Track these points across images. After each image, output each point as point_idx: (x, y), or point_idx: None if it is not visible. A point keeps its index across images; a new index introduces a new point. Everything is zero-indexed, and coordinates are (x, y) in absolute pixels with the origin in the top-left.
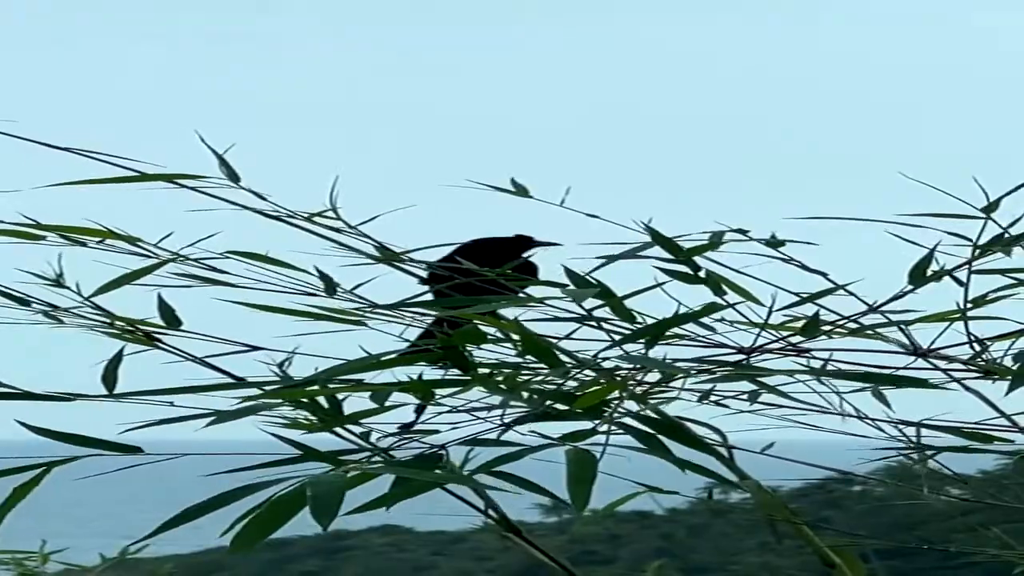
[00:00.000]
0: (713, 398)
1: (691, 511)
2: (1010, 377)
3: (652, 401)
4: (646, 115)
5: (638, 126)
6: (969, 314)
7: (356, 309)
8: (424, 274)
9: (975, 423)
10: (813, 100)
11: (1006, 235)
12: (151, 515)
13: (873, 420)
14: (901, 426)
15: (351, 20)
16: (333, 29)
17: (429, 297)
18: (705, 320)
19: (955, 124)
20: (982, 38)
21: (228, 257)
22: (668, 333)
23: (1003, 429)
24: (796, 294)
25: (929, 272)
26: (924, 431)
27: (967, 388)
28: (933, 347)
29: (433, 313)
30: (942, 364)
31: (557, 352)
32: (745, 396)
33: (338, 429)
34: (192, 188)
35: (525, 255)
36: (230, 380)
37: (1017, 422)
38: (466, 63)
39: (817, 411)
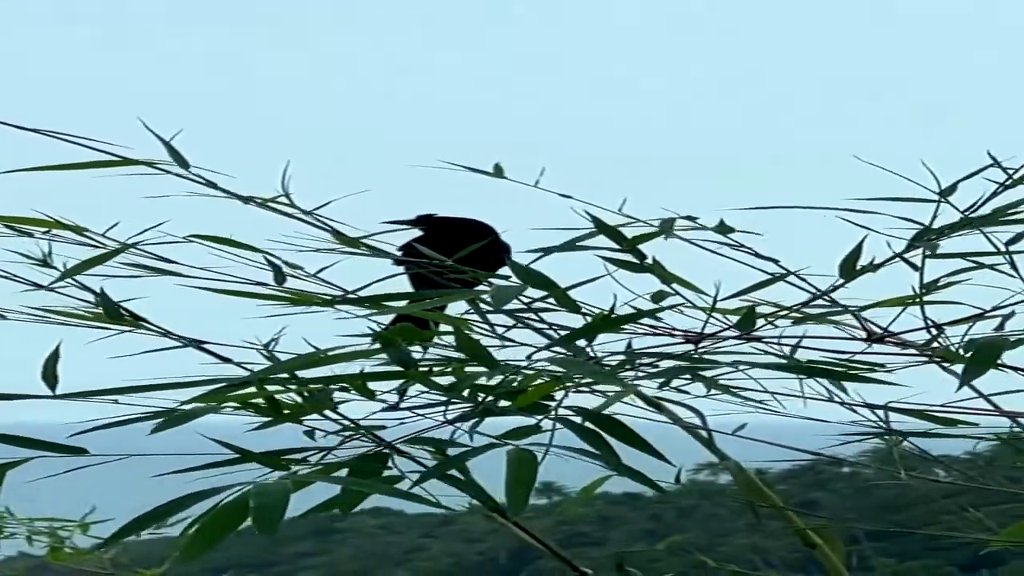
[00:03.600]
0: (674, 384)
1: (681, 493)
2: (964, 365)
3: (599, 393)
4: (590, 101)
5: (582, 112)
6: (923, 299)
7: (319, 295)
8: (397, 255)
9: (940, 406)
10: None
11: (963, 217)
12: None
13: (851, 405)
14: (866, 409)
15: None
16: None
17: (400, 279)
18: (650, 308)
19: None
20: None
21: (191, 241)
22: (615, 321)
23: (979, 412)
24: (764, 270)
25: (878, 260)
26: (890, 415)
27: (947, 371)
28: (888, 332)
29: (399, 304)
30: (898, 349)
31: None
32: (698, 382)
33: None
34: (139, 173)
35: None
36: (175, 380)
37: (998, 405)
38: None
39: (779, 396)
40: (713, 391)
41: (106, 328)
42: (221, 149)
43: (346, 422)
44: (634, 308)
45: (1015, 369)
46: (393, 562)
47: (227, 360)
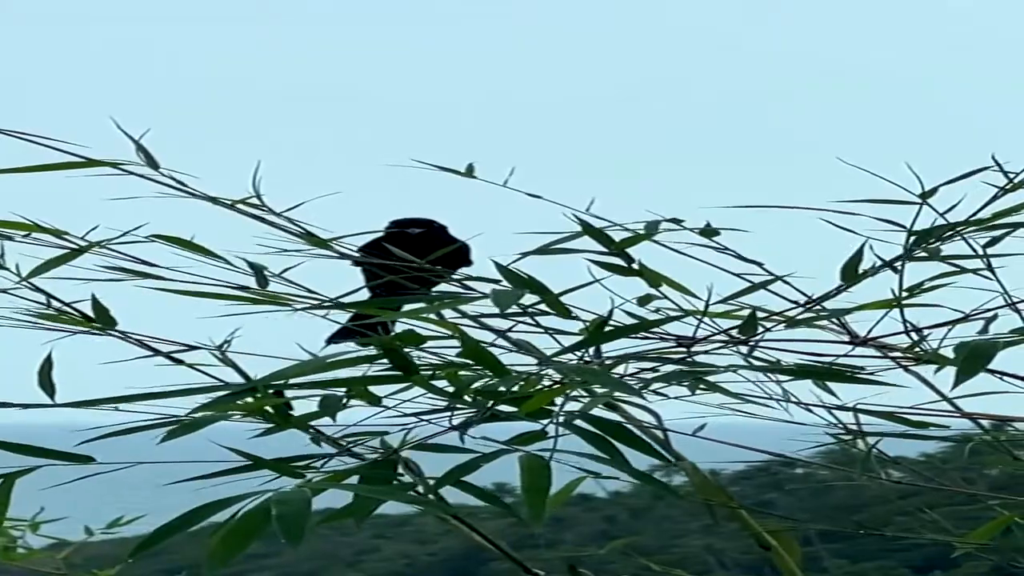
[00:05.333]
0: (653, 387)
1: (634, 494)
2: (955, 366)
3: (594, 395)
4: (570, 100)
5: (558, 111)
6: (905, 302)
7: (290, 296)
8: (356, 257)
9: (909, 407)
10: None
11: (940, 221)
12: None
13: (807, 405)
14: (836, 411)
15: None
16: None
17: (362, 281)
18: (641, 311)
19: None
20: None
21: (152, 241)
22: (621, 331)
23: (941, 413)
24: (741, 277)
25: (863, 268)
26: (861, 416)
27: (917, 376)
28: (871, 335)
29: (373, 311)
30: (880, 353)
31: (498, 360)
32: (686, 386)
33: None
34: (110, 174)
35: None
36: (183, 386)
37: (959, 407)
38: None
39: (756, 399)
40: (704, 393)
41: (60, 331)
42: (192, 149)
43: (350, 428)
44: (624, 312)
45: (995, 373)
46: (345, 563)
47: (180, 362)
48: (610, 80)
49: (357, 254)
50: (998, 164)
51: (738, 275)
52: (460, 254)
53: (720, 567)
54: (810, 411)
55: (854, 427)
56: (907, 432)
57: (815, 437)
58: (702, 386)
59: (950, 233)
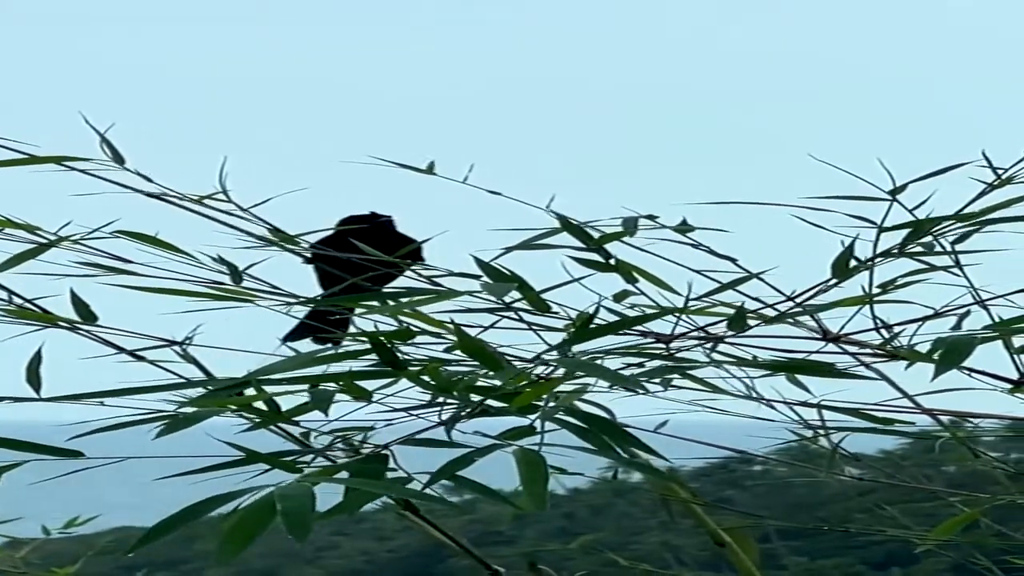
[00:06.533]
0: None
1: (593, 491)
2: (931, 362)
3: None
4: (544, 94)
5: (537, 104)
6: (877, 299)
7: (255, 292)
8: (307, 255)
9: (874, 403)
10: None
11: (912, 218)
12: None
13: (769, 401)
14: (798, 407)
15: None
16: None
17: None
18: (619, 307)
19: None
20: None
21: (117, 237)
22: (607, 328)
23: (902, 410)
24: (713, 278)
25: (852, 264)
26: (825, 413)
27: (877, 373)
28: (843, 332)
29: (346, 306)
30: (852, 349)
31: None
32: (657, 382)
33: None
34: (80, 170)
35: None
36: (173, 380)
37: (920, 403)
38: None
39: (727, 395)
40: (681, 389)
41: (24, 325)
42: (174, 147)
43: (336, 424)
44: (605, 308)
45: (962, 369)
46: (304, 560)
47: (140, 358)
48: (583, 80)
49: (308, 252)
50: (988, 160)
51: (698, 272)
52: (412, 249)
53: (678, 564)
54: (772, 407)
55: (816, 423)
56: (874, 428)
57: (777, 433)
58: (688, 382)
59: (925, 230)
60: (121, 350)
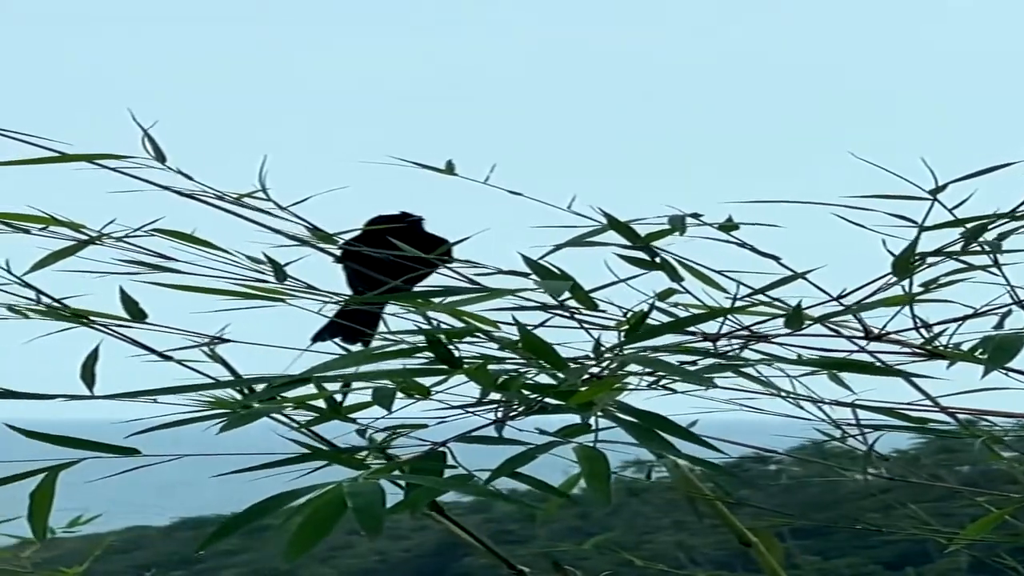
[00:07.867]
0: (663, 382)
1: None
2: (976, 360)
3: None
4: (587, 94)
5: (578, 106)
6: (919, 298)
7: (295, 291)
8: (338, 253)
9: (907, 403)
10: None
11: (953, 217)
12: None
13: (800, 399)
14: (826, 407)
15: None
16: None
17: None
18: (663, 305)
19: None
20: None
21: (154, 235)
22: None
23: (936, 410)
24: (747, 278)
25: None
26: (859, 412)
27: (911, 375)
28: (885, 331)
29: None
30: (894, 348)
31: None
32: (722, 378)
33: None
34: (117, 169)
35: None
36: (223, 378)
37: (941, 403)
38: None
39: (764, 394)
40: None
41: (125, 325)
42: (199, 148)
43: (387, 421)
44: (651, 307)
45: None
46: (318, 560)
47: (168, 358)
48: (616, 78)
49: (338, 252)
50: None
51: (739, 271)
52: (443, 249)
53: (692, 563)
54: (800, 407)
55: (847, 422)
56: (909, 427)
57: (803, 433)
58: (715, 378)
59: (981, 230)
60: (150, 350)
